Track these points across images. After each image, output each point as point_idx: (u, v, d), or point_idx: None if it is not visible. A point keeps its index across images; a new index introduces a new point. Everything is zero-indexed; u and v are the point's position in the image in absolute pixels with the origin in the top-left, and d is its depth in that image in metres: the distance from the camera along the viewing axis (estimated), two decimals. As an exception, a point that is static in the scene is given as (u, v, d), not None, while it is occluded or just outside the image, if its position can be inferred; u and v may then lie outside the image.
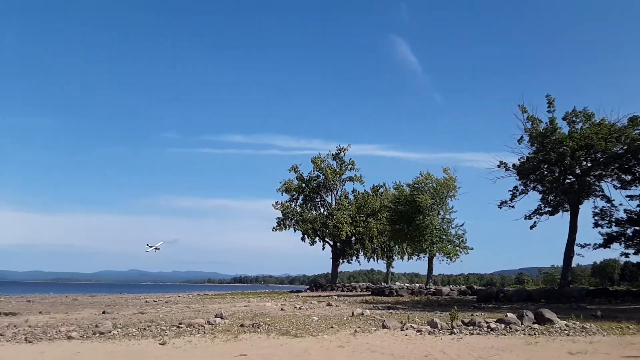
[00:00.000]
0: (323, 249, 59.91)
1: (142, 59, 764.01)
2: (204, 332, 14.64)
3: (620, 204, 35.12)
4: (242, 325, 15.99)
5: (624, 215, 34.50)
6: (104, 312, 24.06)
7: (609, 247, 35.07)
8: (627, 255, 34.96)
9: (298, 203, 60.70)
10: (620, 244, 34.42)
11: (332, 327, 15.73)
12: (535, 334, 13.65)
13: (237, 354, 11.05)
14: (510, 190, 37.39)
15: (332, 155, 60.66)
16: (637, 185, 33.97)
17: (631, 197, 34.26)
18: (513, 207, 37.24)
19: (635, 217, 33.75)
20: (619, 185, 34.38)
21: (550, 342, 12.42)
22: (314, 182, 60.25)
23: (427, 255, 44.24)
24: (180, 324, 16.29)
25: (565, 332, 13.83)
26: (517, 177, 36.70)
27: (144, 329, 15.55)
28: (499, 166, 37.24)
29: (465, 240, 43.24)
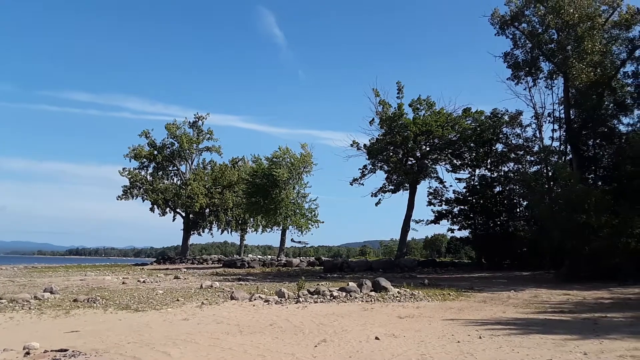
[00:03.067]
0: (173, 220, 57.33)
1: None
2: (30, 308, 12.91)
3: (451, 186, 39.82)
4: (75, 300, 14.47)
5: (453, 196, 39.17)
6: None
7: (439, 223, 39.69)
8: (452, 230, 39.94)
9: (149, 171, 56.97)
10: (447, 221, 39.13)
11: (178, 300, 15.08)
12: (372, 300, 14.73)
13: (67, 331, 9.90)
14: (360, 169, 39.86)
15: (189, 123, 57.81)
16: (465, 169, 38.74)
17: (460, 179, 39.00)
18: (362, 184, 39.89)
19: (461, 197, 38.50)
20: (450, 169, 38.82)
21: (384, 307, 13.49)
22: (168, 149, 56.95)
23: (281, 228, 45.19)
24: (1, 299, 14.14)
25: (397, 298, 15.18)
26: (367, 157, 39.18)
27: (-53, 307, 13.17)
28: (351, 145, 39.38)
29: (317, 214, 45.07)
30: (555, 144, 33.24)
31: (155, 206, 55.72)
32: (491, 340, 8.72)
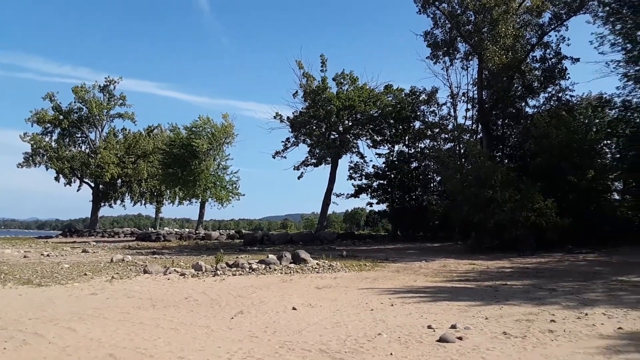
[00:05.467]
0: (78, 190, 53.72)
1: None
2: None
3: (371, 160, 40.87)
4: (-35, 276, 13.11)
5: (372, 171, 40.22)
6: None
7: (359, 197, 40.69)
8: (371, 204, 41.17)
9: (53, 137, 52.61)
10: (367, 195, 40.22)
11: (85, 274, 14.17)
12: (291, 272, 14.77)
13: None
14: (283, 142, 39.60)
15: (100, 87, 53.81)
16: (385, 145, 39.82)
17: (379, 155, 40.07)
18: (285, 157, 39.73)
19: (381, 172, 39.64)
20: (371, 144, 39.72)
21: (302, 278, 13.58)
22: (75, 114, 52.77)
23: (200, 200, 44.03)
24: None
25: (316, 270, 15.36)
26: (290, 130, 38.99)
27: None
28: (275, 117, 38.90)
29: (238, 186, 44.40)
30: (468, 122, 35.15)
31: (60, 175, 51.83)
32: (402, 308, 9.05)
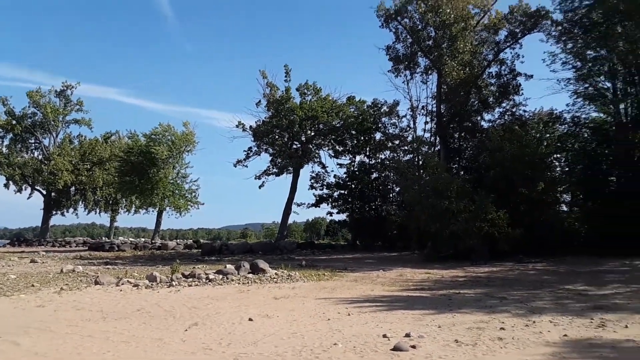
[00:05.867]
0: (29, 197, 51.49)
1: None
2: None
3: (332, 171, 41.19)
4: None
5: (333, 180, 40.52)
6: None
7: (319, 207, 40.88)
8: (332, 214, 41.43)
9: (4, 143, 50.34)
10: (328, 204, 40.45)
11: (33, 285, 13.54)
12: (249, 282, 14.62)
13: None
14: (245, 151, 39.41)
15: (56, 91, 52.03)
16: (346, 155, 40.26)
17: (341, 165, 40.45)
18: (247, 166, 39.59)
19: (342, 182, 39.98)
20: (333, 155, 40.08)
21: (260, 289, 13.47)
22: (29, 120, 50.78)
23: (157, 209, 43.04)
24: None
25: (274, 280, 15.27)
26: (253, 139, 38.84)
27: None
28: (237, 126, 38.66)
29: (198, 195, 43.71)
30: (427, 135, 36.02)
31: (10, 182, 49.56)
32: (359, 317, 9.13)
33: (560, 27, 28.71)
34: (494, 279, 15.94)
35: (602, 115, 29.73)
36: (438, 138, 32.94)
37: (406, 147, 37.81)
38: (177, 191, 42.11)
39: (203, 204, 44.16)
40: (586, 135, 29.69)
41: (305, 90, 38.39)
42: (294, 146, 39.18)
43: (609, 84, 29.02)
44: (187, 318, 9.10)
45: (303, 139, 39.02)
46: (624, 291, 12.38)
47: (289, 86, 37.78)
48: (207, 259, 26.48)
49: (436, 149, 33.36)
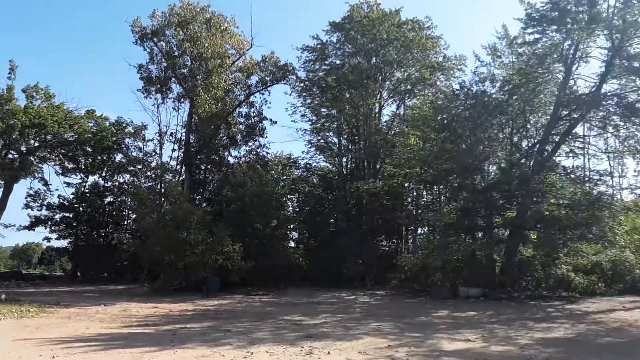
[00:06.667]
0: None
1: None
2: None
3: (57, 189, 35.94)
4: None
5: (57, 201, 35.38)
6: None
7: (34, 230, 35.02)
8: (49, 239, 35.89)
9: None
10: (46, 228, 34.91)
11: None
12: None
13: None
14: None
15: None
16: (78, 174, 35.78)
17: (69, 184, 35.71)
18: None
19: (67, 204, 35.20)
20: (60, 172, 35.06)
21: None
22: None
23: None
24: None
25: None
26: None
27: None
28: None
29: None
30: (173, 163, 35.05)
31: None
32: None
33: (302, 84, 32.55)
34: (222, 312, 16.02)
35: (329, 165, 34.43)
36: (184, 167, 32.40)
37: (149, 173, 35.93)
38: None
39: None
40: (315, 181, 33.77)
41: (34, 94, 32.85)
42: (10, 156, 32.76)
43: (336, 140, 34.03)
44: None
45: (23, 148, 33.02)
46: (331, 320, 13.98)
47: (13, 85, 31.78)
48: None
49: (181, 178, 32.69)
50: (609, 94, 20.51)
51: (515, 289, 20.40)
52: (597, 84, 20.47)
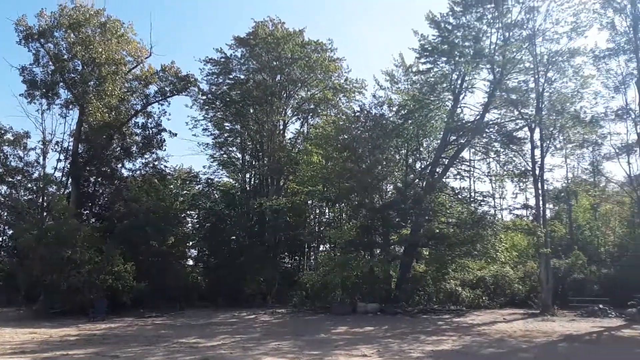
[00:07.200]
0: None
1: None
2: None
3: None
4: None
5: None
6: None
7: None
8: None
9: None
10: None
11: None
12: None
13: None
14: None
15: None
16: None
17: None
18: None
19: None
20: None
21: None
22: None
23: None
24: None
25: None
26: None
27: None
28: None
29: None
30: (58, 174, 32.07)
31: None
32: None
33: (205, 97, 31.77)
34: (110, 336, 14.83)
35: (231, 180, 33.71)
36: (70, 179, 29.82)
37: (30, 185, 32.51)
38: None
39: None
40: (217, 197, 32.84)
41: None
42: None
43: (239, 155, 33.51)
44: None
45: None
46: (230, 341, 13.56)
47: None
48: None
49: (67, 191, 30.02)
50: (491, 122, 22.79)
51: (410, 304, 21.45)
52: (481, 112, 22.67)
